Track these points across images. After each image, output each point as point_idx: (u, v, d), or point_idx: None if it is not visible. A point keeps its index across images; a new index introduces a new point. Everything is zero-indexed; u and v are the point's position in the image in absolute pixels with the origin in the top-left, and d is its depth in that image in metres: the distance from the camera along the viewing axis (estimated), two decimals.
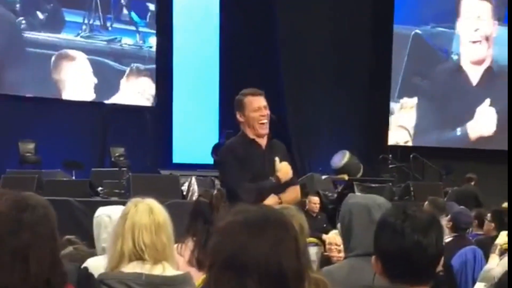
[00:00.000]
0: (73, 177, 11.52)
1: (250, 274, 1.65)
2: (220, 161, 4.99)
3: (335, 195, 11.47)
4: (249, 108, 4.63)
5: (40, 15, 13.79)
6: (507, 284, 2.61)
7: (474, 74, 16.07)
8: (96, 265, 3.19)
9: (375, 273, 2.35)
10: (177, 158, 14.38)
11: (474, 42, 15.99)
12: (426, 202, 7.39)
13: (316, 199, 10.70)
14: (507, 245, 5.31)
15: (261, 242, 1.68)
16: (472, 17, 15.95)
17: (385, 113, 15.28)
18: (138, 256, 2.91)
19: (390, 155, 14.28)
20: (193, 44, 14.45)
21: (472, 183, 12.31)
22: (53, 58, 13.85)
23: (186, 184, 10.72)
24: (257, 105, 4.64)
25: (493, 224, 6.76)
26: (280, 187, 4.55)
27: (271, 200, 4.41)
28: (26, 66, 13.55)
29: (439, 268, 2.30)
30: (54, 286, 1.84)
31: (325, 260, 5.98)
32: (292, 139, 14.72)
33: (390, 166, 14.20)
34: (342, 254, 6.59)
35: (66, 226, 4.23)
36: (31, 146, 12.65)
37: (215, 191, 4.12)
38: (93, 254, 3.64)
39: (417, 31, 15.68)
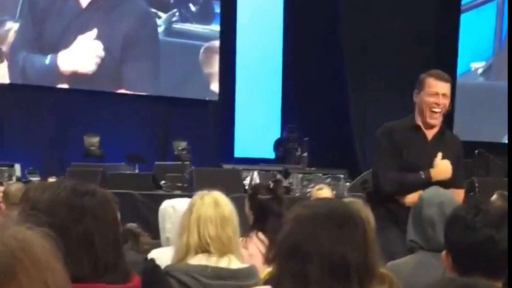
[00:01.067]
0: (137, 171, 11.65)
1: (313, 261, 1.68)
2: (375, 142, 4.51)
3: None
4: (426, 89, 4.18)
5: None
6: None
7: None
8: (161, 256, 3.22)
9: (445, 269, 2.32)
10: (238, 153, 14.42)
11: None
12: (495, 195, 7.23)
13: None
14: None
15: (326, 233, 1.72)
16: None
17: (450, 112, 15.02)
18: (204, 248, 2.93)
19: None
20: (257, 39, 14.44)
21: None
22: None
23: (248, 179, 10.75)
24: (435, 90, 4.16)
25: None
26: (431, 185, 3.84)
27: (413, 197, 3.75)
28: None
29: None
30: (122, 271, 1.86)
31: None
32: (355, 134, 14.64)
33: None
34: None
35: (130, 219, 4.30)
36: (95, 139, 12.85)
37: (272, 184, 4.12)
38: (158, 245, 3.67)
39: None
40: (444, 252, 2.28)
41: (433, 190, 3.22)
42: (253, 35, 14.41)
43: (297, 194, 10.30)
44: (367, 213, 2.95)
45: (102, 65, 13.63)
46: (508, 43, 14.52)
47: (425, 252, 3.02)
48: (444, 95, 4.15)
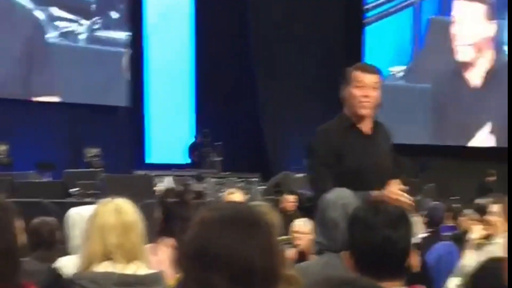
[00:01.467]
0: (50, 179, 11.41)
1: (217, 267, 1.65)
2: (309, 149, 4.14)
3: (311, 194, 11.43)
4: (354, 83, 3.95)
5: None
6: (482, 278, 2.61)
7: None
8: (68, 264, 3.16)
9: (347, 269, 2.35)
10: (153, 158, 14.32)
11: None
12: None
13: (291, 198, 10.67)
14: (482, 240, 5.32)
15: (231, 237, 1.68)
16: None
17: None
18: (108, 256, 2.89)
19: None
20: (167, 44, 14.41)
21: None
22: None
23: (162, 184, 10.67)
24: (362, 81, 3.94)
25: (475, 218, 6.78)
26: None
27: None
28: None
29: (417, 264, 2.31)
30: (13, 281, 1.80)
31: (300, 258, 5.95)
32: (266, 137, 14.73)
33: None
34: (306, 243, 6.62)
35: None
36: (3, 148, 12.51)
37: (182, 188, 4.08)
38: (66, 253, 3.60)
39: None
40: (346, 252, 2.30)
41: (337, 192, 3.23)
42: (164, 41, 14.37)
43: (210, 199, 10.28)
44: (273, 217, 2.94)
45: (9, 73, 13.31)
46: (508, 43, 14.95)
47: (332, 253, 3.03)
48: (374, 87, 3.97)
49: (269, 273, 1.70)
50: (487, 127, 16.06)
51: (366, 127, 4.02)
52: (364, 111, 3.95)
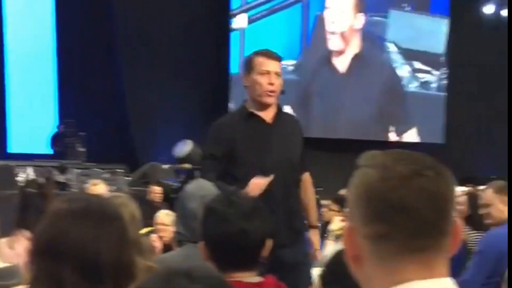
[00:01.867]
0: None
1: (67, 260, 1.64)
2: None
3: (178, 185, 11.46)
4: (257, 69, 3.84)
5: None
6: (337, 263, 2.70)
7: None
8: None
9: (204, 260, 2.38)
10: (13, 148, 13.86)
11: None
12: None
13: (158, 189, 10.66)
14: (341, 231, 5.51)
15: (81, 229, 1.67)
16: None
17: (227, 99, 15.45)
18: None
19: None
20: (27, 31, 13.92)
21: None
22: None
23: (23, 175, 10.40)
24: (266, 68, 3.84)
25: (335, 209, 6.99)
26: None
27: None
28: None
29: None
30: None
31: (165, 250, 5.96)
32: (133, 129, 14.59)
33: None
34: (170, 235, 6.65)
35: None
36: None
37: (43, 180, 3.99)
38: None
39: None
40: (201, 243, 2.34)
41: (197, 183, 3.26)
42: (24, 28, 13.90)
43: (74, 190, 10.10)
44: (133, 209, 2.92)
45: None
46: (508, 44, 15.29)
47: (192, 244, 3.04)
48: (276, 73, 3.87)
49: (120, 266, 1.70)
50: (350, 118, 16.84)
51: (268, 115, 3.92)
52: (269, 100, 3.87)
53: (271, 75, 3.84)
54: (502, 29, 19.24)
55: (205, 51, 15.61)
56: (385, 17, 17.57)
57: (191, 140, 13.32)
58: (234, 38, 15.70)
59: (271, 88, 3.84)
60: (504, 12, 19.87)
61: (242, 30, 15.77)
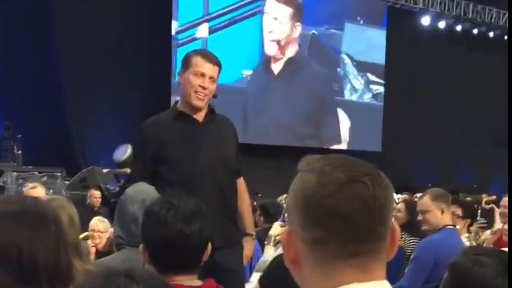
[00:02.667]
0: None
1: (2, 263, 1.62)
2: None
3: (117, 189, 11.36)
4: (192, 69, 3.71)
5: None
6: (277, 268, 2.72)
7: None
8: None
9: (144, 263, 2.38)
10: None
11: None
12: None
13: (97, 193, 10.57)
14: (280, 236, 5.54)
15: (15, 232, 1.65)
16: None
17: (167, 102, 15.41)
18: None
19: None
20: None
21: None
22: None
23: None
24: (202, 70, 3.70)
25: (262, 218, 7.03)
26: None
27: None
28: None
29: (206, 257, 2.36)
30: None
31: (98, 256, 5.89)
32: (73, 133, 14.40)
33: None
34: (103, 242, 6.63)
35: None
36: None
37: None
38: None
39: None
40: (141, 246, 2.33)
41: (138, 187, 3.22)
42: None
43: (11, 193, 9.91)
44: (71, 212, 2.88)
45: None
46: (508, 44, 15.38)
47: (132, 248, 3.00)
48: (211, 78, 3.72)
49: (57, 269, 1.69)
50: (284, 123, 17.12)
51: (199, 116, 3.80)
52: (197, 102, 3.73)
53: (205, 78, 3.72)
54: (438, 40, 19.71)
55: (147, 57, 15.55)
56: (341, 29, 18.07)
57: (131, 144, 13.26)
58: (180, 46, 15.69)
59: (201, 91, 3.71)
60: (441, 24, 20.30)
61: (204, 39, 15.96)
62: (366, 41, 18.73)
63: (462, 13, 20.45)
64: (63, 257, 1.72)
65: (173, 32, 15.71)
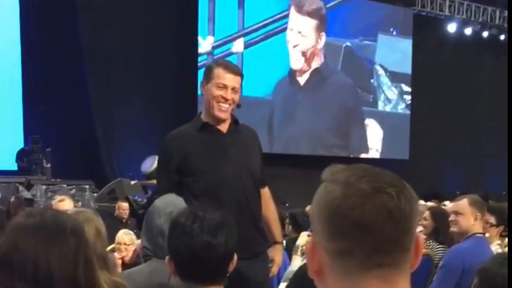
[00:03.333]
0: None
1: (20, 275, 1.65)
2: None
3: (145, 200, 11.39)
4: (214, 80, 3.70)
5: None
6: (302, 278, 2.72)
7: None
8: None
9: (170, 274, 2.40)
10: None
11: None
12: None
13: (125, 205, 10.61)
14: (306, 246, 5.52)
15: (33, 245, 1.67)
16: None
17: (194, 116, 15.45)
18: None
19: None
20: None
21: None
22: None
23: None
24: (223, 82, 3.69)
25: (290, 227, 7.02)
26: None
27: None
28: None
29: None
30: None
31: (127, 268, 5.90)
32: (101, 144, 14.49)
33: None
34: (130, 254, 6.66)
35: None
36: None
37: (13, 198, 3.94)
38: None
39: None
40: (167, 258, 2.35)
41: (166, 199, 3.21)
42: None
43: (40, 206, 10.00)
44: (99, 225, 2.90)
45: None
46: (508, 45, 15.43)
47: (158, 260, 3.01)
48: (233, 89, 3.71)
49: (74, 284, 1.70)
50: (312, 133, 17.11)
51: (223, 127, 3.80)
52: (221, 115, 3.73)
53: (227, 90, 3.70)
54: (465, 47, 19.56)
55: (174, 70, 15.64)
56: (374, 41, 18.17)
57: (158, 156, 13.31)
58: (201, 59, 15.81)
59: (224, 102, 3.71)
60: (468, 31, 20.17)
61: (240, 54, 16.13)
62: (399, 52, 18.80)
63: (488, 19, 20.31)
64: (81, 270, 1.73)
65: (199, 46, 15.79)
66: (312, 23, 17.15)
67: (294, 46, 16.94)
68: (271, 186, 4.10)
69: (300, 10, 16.97)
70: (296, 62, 17.03)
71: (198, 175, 3.69)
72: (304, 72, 17.13)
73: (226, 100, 3.70)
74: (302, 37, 17.02)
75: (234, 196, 3.69)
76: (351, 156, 17.46)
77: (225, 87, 3.70)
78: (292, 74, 17.07)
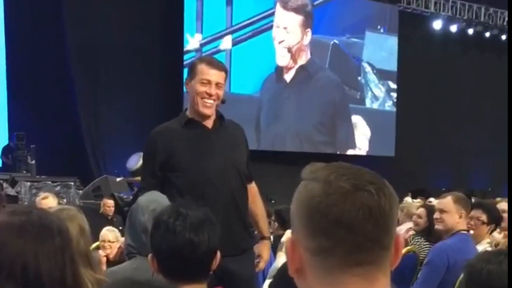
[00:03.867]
0: None
1: (7, 273, 1.63)
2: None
3: (131, 197, 11.36)
4: (198, 76, 3.68)
5: None
6: (284, 274, 2.72)
7: None
8: None
9: (153, 272, 2.38)
10: None
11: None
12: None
13: (110, 202, 10.58)
14: None
15: (20, 244, 1.66)
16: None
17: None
18: None
19: None
20: None
21: None
22: None
23: None
24: (207, 78, 3.67)
25: (276, 224, 7.03)
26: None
27: None
28: None
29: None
30: None
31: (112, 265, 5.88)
32: (86, 141, 14.45)
33: None
34: (114, 251, 6.65)
35: None
36: None
37: None
38: None
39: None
40: (150, 255, 2.34)
41: (150, 196, 3.19)
42: None
43: (25, 203, 9.97)
44: (82, 222, 2.88)
45: None
46: (508, 46, 15.47)
47: (143, 257, 2.98)
48: (217, 84, 3.69)
49: (63, 280, 1.69)
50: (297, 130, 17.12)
51: (208, 123, 3.78)
52: (206, 111, 3.71)
53: (211, 85, 3.68)
54: (450, 43, 19.62)
55: (159, 67, 15.62)
56: (362, 38, 18.29)
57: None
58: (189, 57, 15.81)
59: (208, 98, 3.69)
60: (453, 28, 20.26)
61: (228, 51, 16.11)
62: (386, 49, 18.86)
63: (474, 17, 20.39)
64: (69, 269, 1.73)
65: (186, 43, 15.77)
66: (297, 19, 17.16)
67: (280, 42, 16.95)
68: (257, 183, 4.08)
69: (285, 6, 16.98)
70: (282, 58, 17.05)
71: (183, 171, 3.66)
72: (290, 69, 17.15)
73: (210, 95, 3.68)
74: (287, 33, 17.02)
75: (219, 193, 3.66)
76: (338, 152, 17.49)
77: (209, 82, 3.68)
78: (278, 71, 17.09)
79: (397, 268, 1.26)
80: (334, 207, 1.18)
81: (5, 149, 13.14)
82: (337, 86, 17.99)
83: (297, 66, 17.19)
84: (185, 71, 15.25)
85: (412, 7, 19.66)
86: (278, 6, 16.90)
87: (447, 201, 4.88)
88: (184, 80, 3.83)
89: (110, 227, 7.15)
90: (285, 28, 17.00)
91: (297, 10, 17.18)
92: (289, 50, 17.04)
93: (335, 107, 17.86)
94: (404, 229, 6.78)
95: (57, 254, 1.70)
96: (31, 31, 13.73)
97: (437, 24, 20.09)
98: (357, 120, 18.41)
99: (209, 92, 3.68)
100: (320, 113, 17.50)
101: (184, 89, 14.37)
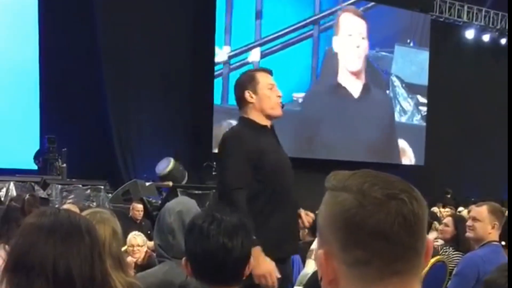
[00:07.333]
0: None
1: (38, 274, 1.65)
2: (222, 154, 3.79)
3: (160, 202, 11.45)
4: (262, 84, 3.87)
5: None
6: (315, 283, 2.72)
7: None
8: None
9: (186, 275, 2.41)
10: None
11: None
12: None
13: (139, 206, 10.65)
14: None
15: (50, 244, 1.68)
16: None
17: (210, 122, 15.49)
18: None
19: (215, 163, 14.47)
20: (11, 45, 13.80)
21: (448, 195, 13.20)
22: None
23: (4, 190, 10.40)
24: (271, 82, 3.91)
25: (306, 230, 7.01)
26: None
27: None
28: None
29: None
30: None
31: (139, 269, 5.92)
32: (116, 145, 14.54)
33: (214, 173, 14.37)
34: (142, 255, 6.69)
35: None
36: None
37: (27, 196, 3.95)
38: None
39: None
40: (184, 259, 2.36)
41: (178, 199, 3.27)
42: (7, 42, 13.79)
43: (56, 205, 10.04)
44: (114, 225, 2.90)
45: None
46: (508, 46, 15.54)
47: (173, 261, 3.05)
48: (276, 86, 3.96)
49: (92, 282, 1.71)
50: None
51: (269, 125, 3.94)
52: (280, 112, 3.92)
53: (276, 88, 3.92)
54: (482, 53, 19.45)
55: (190, 74, 15.69)
56: (391, 52, 18.52)
57: (173, 158, 13.34)
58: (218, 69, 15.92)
59: (279, 100, 3.90)
60: (486, 38, 20.09)
61: (257, 63, 16.06)
62: (416, 63, 18.88)
63: (507, 26, 20.21)
64: (98, 269, 1.75)
65: (216, 54, 15.83)
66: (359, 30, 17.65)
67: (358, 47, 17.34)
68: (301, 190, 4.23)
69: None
70: (343, 77, 17.47)
71: (276, 172, 3.79)
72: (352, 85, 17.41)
73: (279, 96, 3.90)
74: (362, 39, 17.47)
75: (293, 195, 3.88)
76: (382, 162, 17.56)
77: (274, 85, 3.91)
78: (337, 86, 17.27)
79: (426, 278, 1.27)
80: (369, 219, 1.17)
81: (38, 152, 13.27)
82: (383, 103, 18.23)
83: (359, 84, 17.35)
84: (216, 82, 15.52)
85: (444, 16, 19.55)
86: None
87: (481, 210, 4.83)
88: (245, 93, 3.89)
89: (136, 232, 7.23)
90: (359, 34, 17.48)
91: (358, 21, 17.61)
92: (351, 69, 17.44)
93: (381, 121, 18.15)
94: (432, 238, 6.75)
95: (87, 252, 1.72)
96: (64, 35, 13.87)
97: (469, 34, 19.95)
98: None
99: (278, 94, 3.90)
100: (371, 128, 17.71)
101: (214, 99, 14.58)
